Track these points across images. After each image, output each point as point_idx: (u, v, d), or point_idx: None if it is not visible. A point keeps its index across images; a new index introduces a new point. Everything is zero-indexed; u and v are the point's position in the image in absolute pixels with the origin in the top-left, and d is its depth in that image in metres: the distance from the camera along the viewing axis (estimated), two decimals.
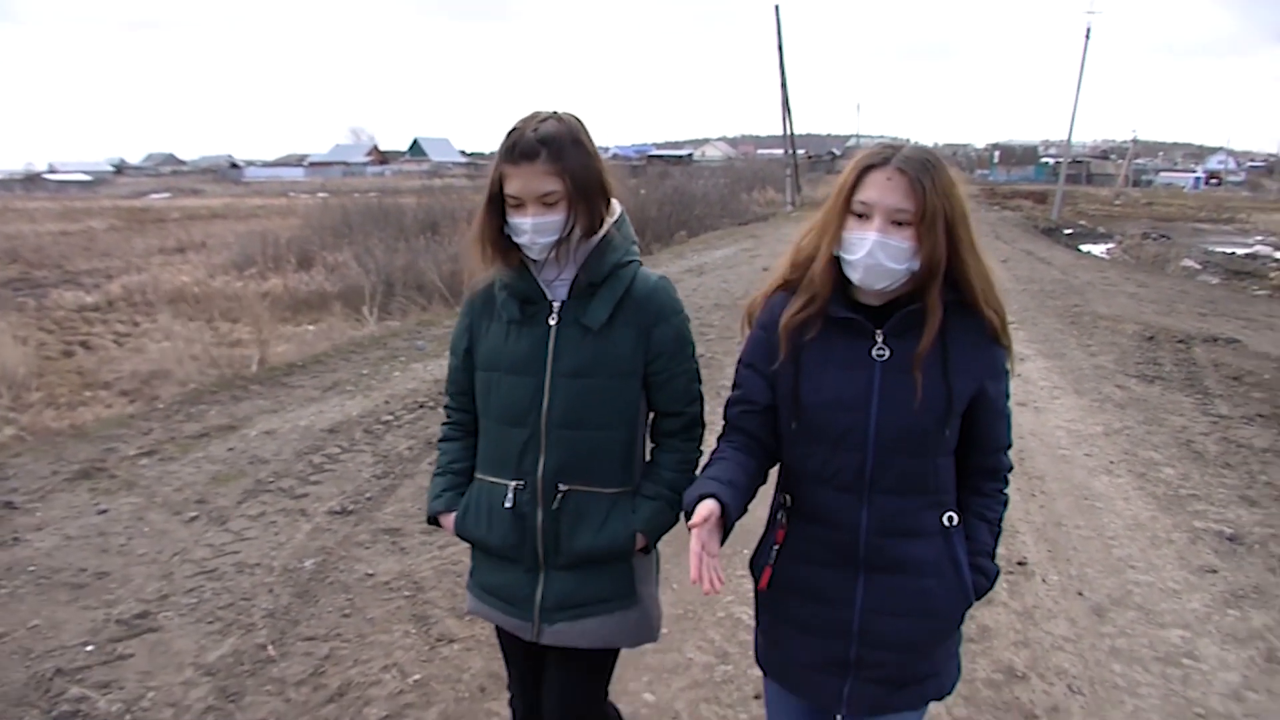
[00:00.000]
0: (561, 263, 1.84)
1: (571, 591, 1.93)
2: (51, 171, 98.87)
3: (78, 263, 26.75)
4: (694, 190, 30.34)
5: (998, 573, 1.78)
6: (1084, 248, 25.42)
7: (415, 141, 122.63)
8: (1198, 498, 5.24)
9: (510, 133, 1.78)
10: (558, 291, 1.88)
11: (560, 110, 1.82)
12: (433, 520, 2.06)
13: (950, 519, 1.71)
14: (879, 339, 1.65)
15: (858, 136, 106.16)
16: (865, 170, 1.60)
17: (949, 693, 1.80)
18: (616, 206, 1.91)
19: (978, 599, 1.74)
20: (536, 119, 1.78)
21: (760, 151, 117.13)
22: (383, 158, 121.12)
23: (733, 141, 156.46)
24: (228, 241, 28.28)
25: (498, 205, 1.81)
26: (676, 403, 1.94)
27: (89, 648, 3.57)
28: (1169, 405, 7.20)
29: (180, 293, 20.20)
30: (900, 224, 1.56)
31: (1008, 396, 1.73)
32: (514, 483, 1.90)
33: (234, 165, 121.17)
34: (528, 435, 1.88)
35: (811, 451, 1.70)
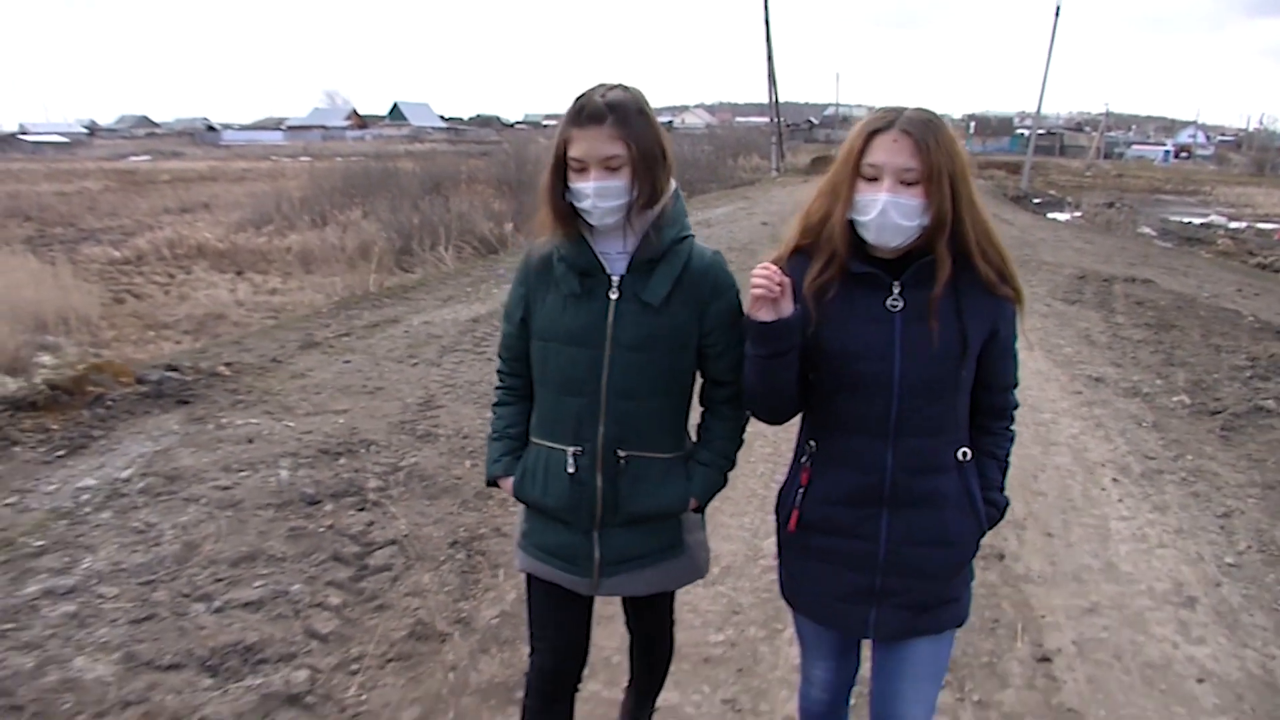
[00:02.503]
0: (625, 234, 1.86)
1: (627, 547, 1.99)
2: (24, 133, 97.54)
3: (89, 221, 27.44)
4: (684, 156, 31.71)
5: (1007, 504, 1.90)
6: (1050, 215, 27.01)
7: (395, 106, 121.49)
8: (1083, 362, 7.44)
9: (578, 99, 1.81)
10: (616, 265, 1.88)
11: (625, 83, 1.86)
12: (492, 483, 2.12)
13: (964, 454, 1.80)
14: (895, 290, 1.71)
15: (836, 105, 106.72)
16: (872, 134, 1.66)
17: (965, 620, 1.91)
18: (672, 182, 1.93)
19: (989, 528, 1.86)
20: (604, 87, 1.82)
21: (739, 119, 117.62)
22: (362, 122, 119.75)
23: (711, 108, 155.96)
24: (233, 202, 29.18)
25: (561, 171, 1.83)
26: (729, 373, 1.96)
27: (407, 415, 5.40)
28: (1080, 317, 9.32)
29: (204, 248, 21.42)
30: (908, 183, 1.63)
31: (1015, 338, 1.82)
32: (573, 448, 1.93)
33: (210, 128, 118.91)
34: (586, 404, 1.90)
35: (837, 400, 1.77)
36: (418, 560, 3.64)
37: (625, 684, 2.48)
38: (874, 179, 1.64)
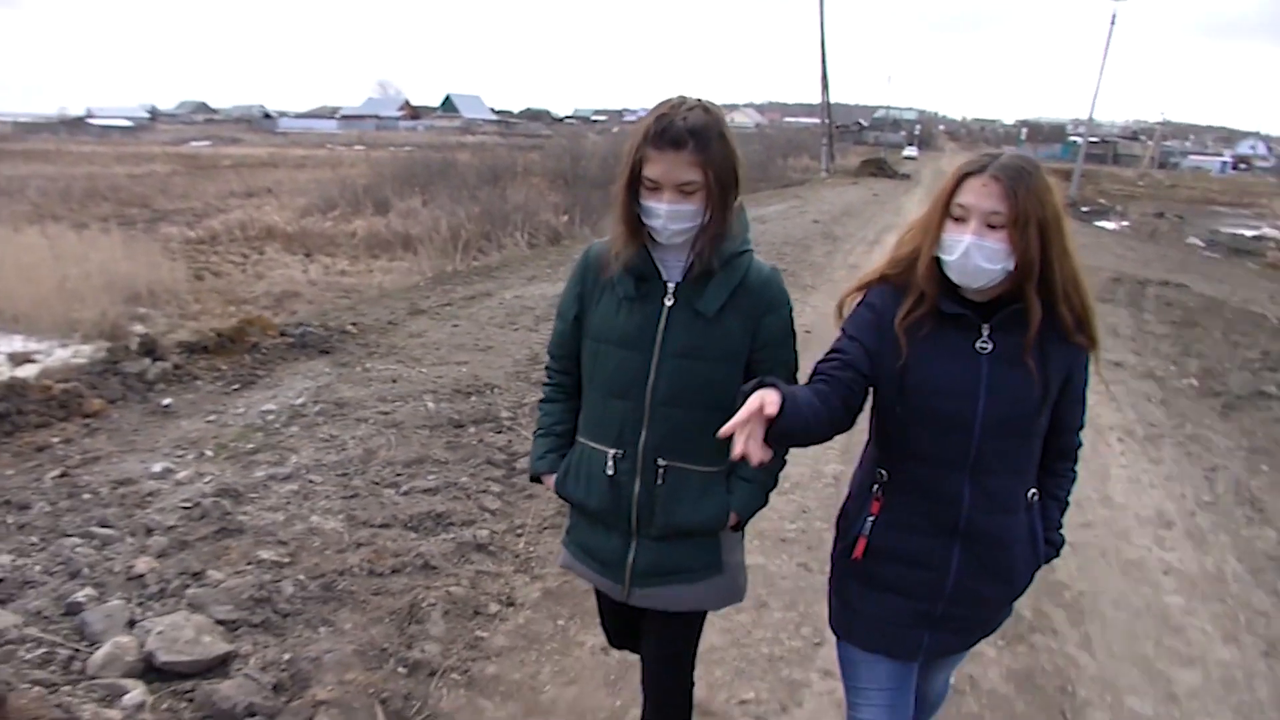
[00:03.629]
0: (688, 246, 1.86)
1: (662, 560, 1.97)
2: (90, 116, 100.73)
3: (161, 203, 28.88)
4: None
5: (1063, 543, 1.96)
6: (1098, 224, 27.43)
7: (448, 98, 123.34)
8: (1105, 350, 8.28)
9: (658, 118, 1.79)
10: (672, 272, 1.89)
11: (705, 100, 1.84)
12: (536, 479, 2.13)
13: (1033, 494, 1.85)
14: (984, 332, 1.73)
15: (887, 108, 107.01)
16: (964, 177, 1.69)
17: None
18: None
19: (1045, 563, 1.92)
20: (685, 106, 1.79)
21: (787, 119, 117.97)
22: (414, 113, 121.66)
23: (760, 108, 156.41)
24: (296, 188, 30.53)
25: (634, 186, 1.82)
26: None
27: (519, 367, 6.30)
28: (1109, 313, 9.68)
29: (273, 230, 22.66)
30: (995, 227, 1.64)
31: (1087, 384, 1.86)
32: (614, 451, 1.93)
33: (267, 115, 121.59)
34: (631, 408, 1.90)
35: (917, 434, 1.78)
36: None
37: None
38: (962, 219, 1.67)
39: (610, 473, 1.92)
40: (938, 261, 1.71)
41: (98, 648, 2.68)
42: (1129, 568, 3.86)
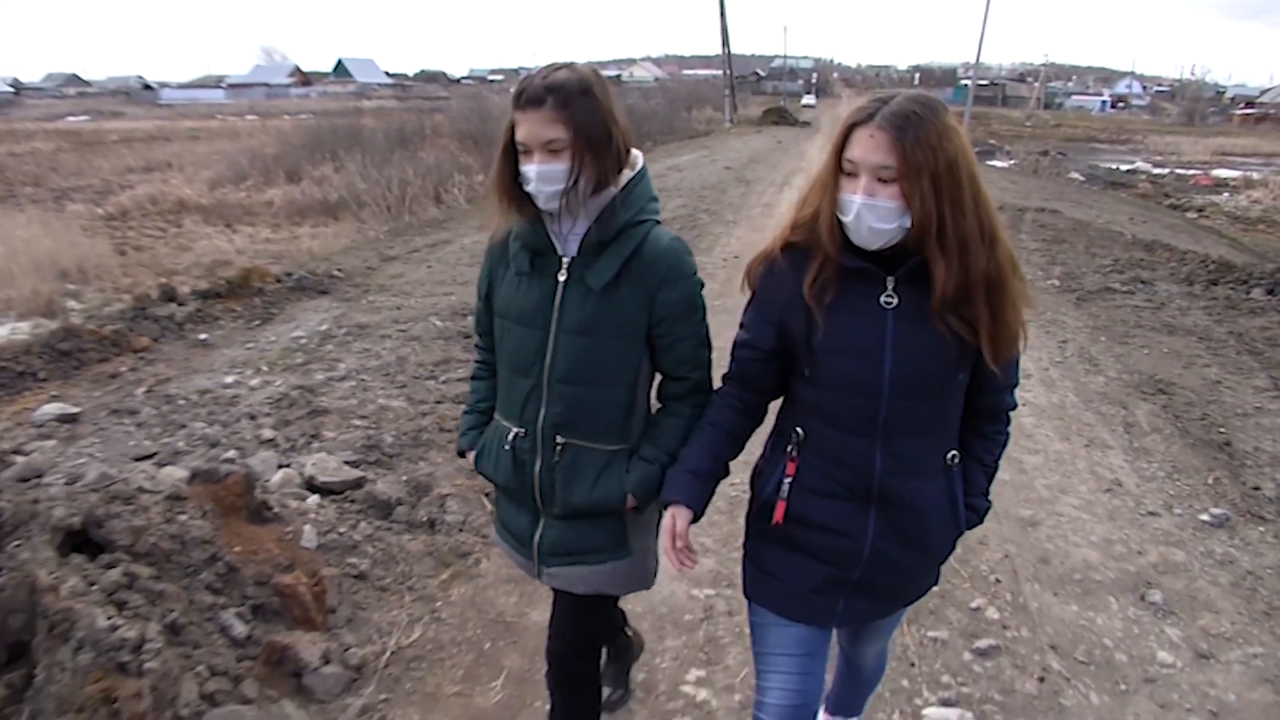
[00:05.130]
0: (573, 216, 1.80)
1: (565, 540, 1.97)
2: None
3: (56, 181, 28.10)
4: (643, 109, 33.50)
5: (988, 508, 1.87)
6: (989, 163, 29.36)
7: (340, 62, 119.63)
8: None
9: (522, 80, 1.77)
10: (569, 246, 1.84)
11: (578, 63, 1.80)
12: (461, 454, 2.14)
13: (953, 457, 1.74)
14: (889, 286, 1.62)
15: (784, 58, 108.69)
16: (852, 127, 1.56)
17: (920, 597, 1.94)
18: (638, 162, 1.87)
19: (967, 530, 1.83)
20: (551, 67, 1.77)
21: (685, 72, 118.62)
22: (306, 79, 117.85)
23: (658, 61, 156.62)
24: (197, 160, 30.20)
25: (511, 154, 1.79)
26: (682, 367, 1.91)
27: None
28: None
29: (185, 203, 22.70)
30: (885, 181, 1.52)
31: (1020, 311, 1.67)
32: (516, 429, 1.93)
33: (147, 87, 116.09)
34: (531, 386, 1.88)
35: (826, 396, 1.69)
36: None
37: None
38: (853, 174, 1.56)
39: (508, 449, 1.93)
40: (839, 220, 1.60)
41: (267, 479, 3.67)
42: None
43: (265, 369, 5.41)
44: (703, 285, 1.91)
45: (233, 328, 6.45)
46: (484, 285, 2.00)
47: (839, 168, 1.58)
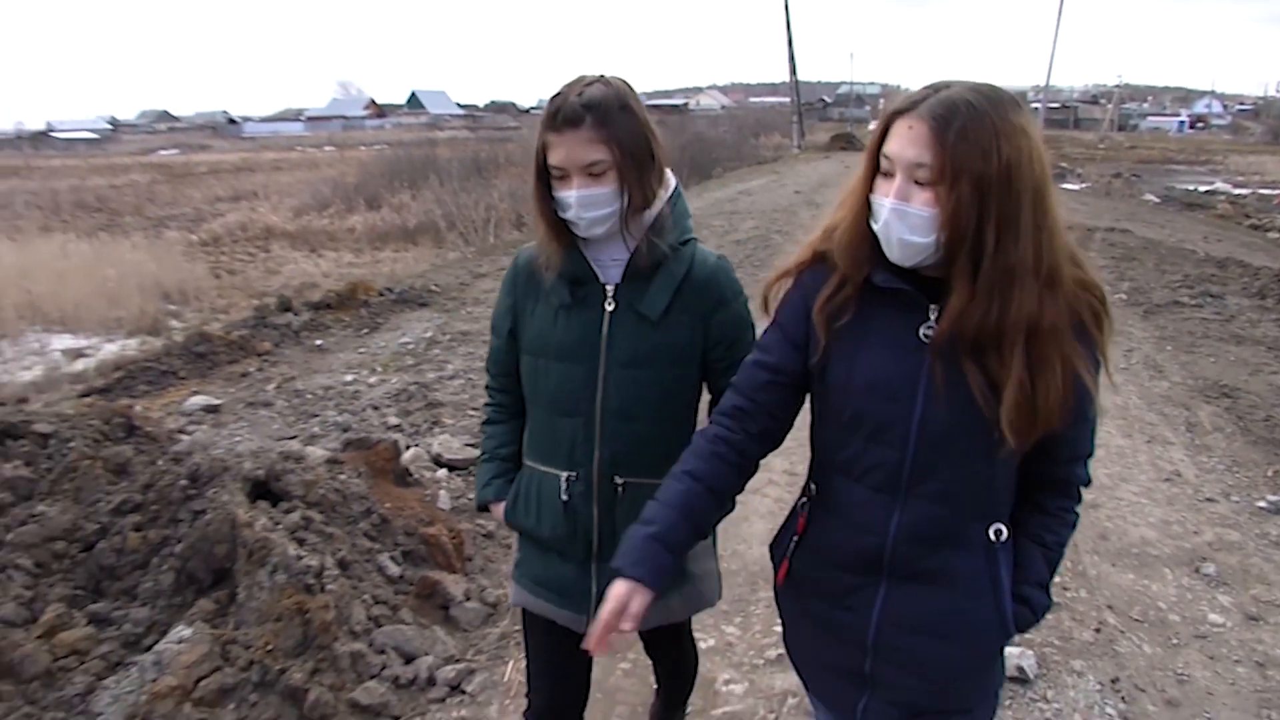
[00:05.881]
0: (622, 240, 1.66)
1: None
2: (52, 130, 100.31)
3: (152, 210, 29.84)
4: (711, 136, 34.14)
5: (1048, 606, 1.48)
6: (1061, 186, 29.20)
7: (413, 94, 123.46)
8: None
9: (553, 98, 1.61)
10: (610, 273, 1.69)
11: (608, 74, 1.65)
12: (483, 508, 1.94)
13: (998, 532, 1.40)
14: (931, 315, 1.31)
15: (850, 84, 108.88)
16: (893, 116, 1.29)
17: None
18: (670, 179, 1.73)
19: (1019, 632, 1.46)
20: (581, 83, 1.61)
21: (752, 99, 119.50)
22: (380, 111, 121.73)
23: (724, 89, 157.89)
24: (281, 190, 31.70)
25: (545, 178, 1.63)
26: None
27: None
28: None
29: (272, 230, 23.92)
30: (922, 184, 1.24)
31: (1090, 399, 1.35)
32: (567, 474, 1.74)
33: (231, 121, 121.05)
34: (581, 425, 1.72)
35: (841, 441, 1.41)
36: None
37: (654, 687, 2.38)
38: (889, 174, 1.29)
39: (565, 498, 1.75)
40: (870, 227, 1.33)
41: (401, 455, 4.16)
42: None
43: (379, 370, 5.96)
44: (748, 301, 1.78)
45: (343, 335, 7.05)
46: (506, 321, 1.82)
47: (875, 166, 1.33)
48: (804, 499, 1.53)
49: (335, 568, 2.95)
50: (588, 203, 1.58)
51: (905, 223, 1.25)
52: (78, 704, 2.65)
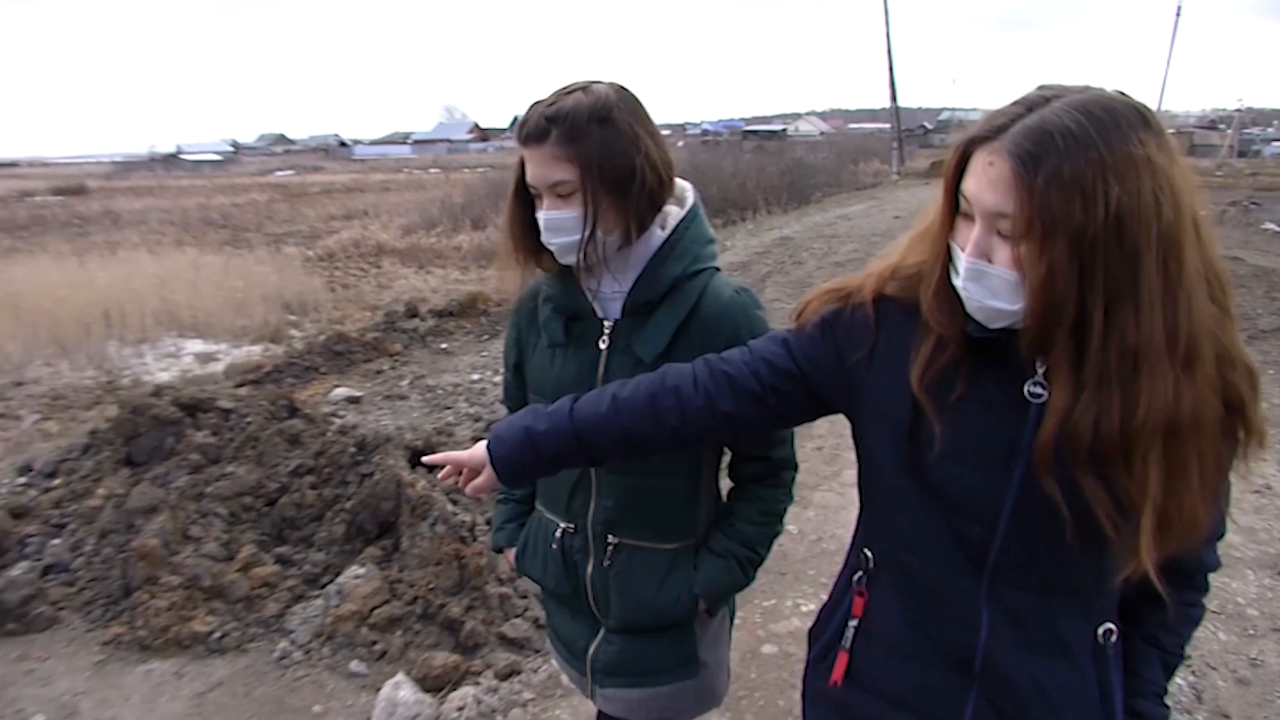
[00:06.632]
0: (597, 274, 1.44)
1: (625, 658, 1.61)
2: (181, 153, 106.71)
3: (272, 227, 31.72)
4: (811, 162, 34.35)
5: (1165, 719, 1.23)
6: None
7: (515, 119, 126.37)
8: None
9: (528, 108, 1.40)
10: (609, 308, 1.49)
11: (604, 81, 1.42)
12: (498, 551, 1.82)
13: (1108, 632, 1.13)
14: (1039, 371, 1.02)
15: (951, 110, 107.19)
16: (969, 145, 0.99)
17: None
18: (688, 197, 1.52)
19: None
20: (559, 92, 1.39)
21: (850, 126, 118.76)
22: (484, 135, 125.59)
23: (823, 115, 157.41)
24: (391, 209, 33.23)
25: (524, 195, 1.44)
26: (757, 444, 1.54)
27: None
28: None
29: (383, 247, 25.14)
30: (1005, 236, 0.96)
31: (1227, 484, 1.11)
32: (564, 525, 1.60)
33: (343, 144, 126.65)
34: (577, 475, 1.55)
35: (911, 508, 1.13)
36: None
37: None
38: (969, 216, 1.00)
39: (557, 548, 1.62)
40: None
41: None
42: None
43: (502, 370, 6.46)
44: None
45: (465, 340, 7.63)
46: (513, 353, 1.68)
47: (953, 205, 1.04)
48: (858, 572, 1.25)
49: (484, 524, 3.40)
50: (553, 226, 1.40)
51: (985, 285, 0.98)
52: (273, 623, 3.17)
